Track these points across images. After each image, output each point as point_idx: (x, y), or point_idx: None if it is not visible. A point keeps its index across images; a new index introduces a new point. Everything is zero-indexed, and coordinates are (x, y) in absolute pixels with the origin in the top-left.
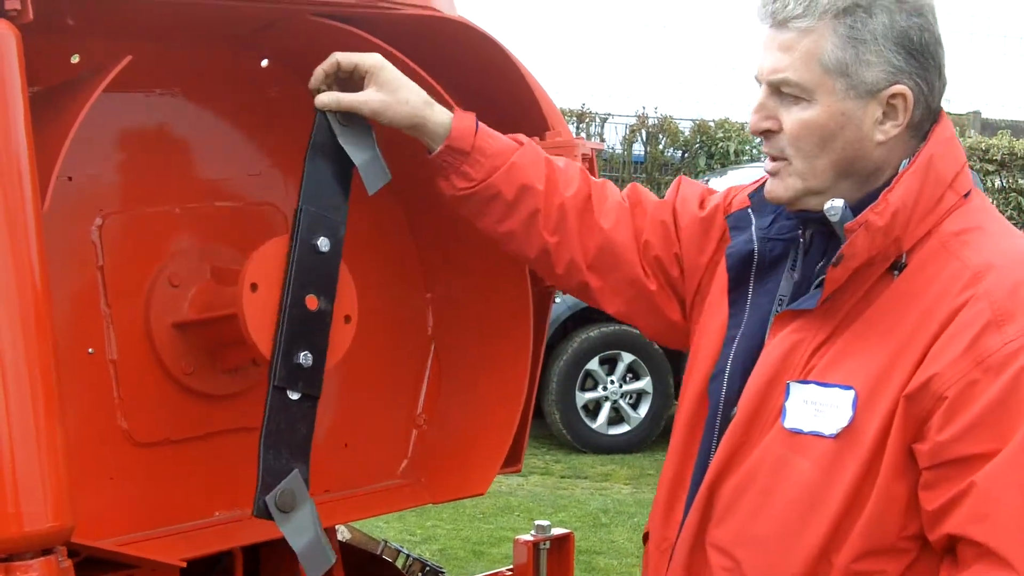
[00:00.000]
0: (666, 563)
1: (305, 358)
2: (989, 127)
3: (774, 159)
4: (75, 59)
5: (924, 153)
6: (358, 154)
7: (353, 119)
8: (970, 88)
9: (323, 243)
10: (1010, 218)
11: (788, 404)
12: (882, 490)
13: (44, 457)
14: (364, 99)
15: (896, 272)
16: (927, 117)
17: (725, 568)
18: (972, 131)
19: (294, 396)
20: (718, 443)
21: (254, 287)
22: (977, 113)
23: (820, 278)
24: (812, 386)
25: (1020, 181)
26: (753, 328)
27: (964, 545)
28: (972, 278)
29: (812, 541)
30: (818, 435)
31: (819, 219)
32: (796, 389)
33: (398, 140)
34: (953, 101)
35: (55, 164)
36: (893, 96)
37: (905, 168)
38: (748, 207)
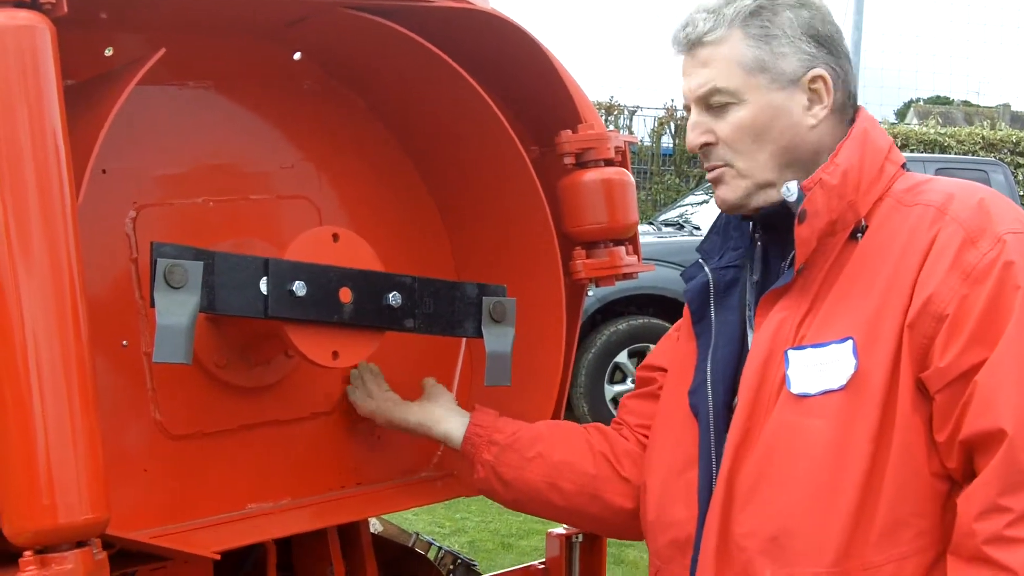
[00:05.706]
0: (687, 563)
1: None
2: (1019, 119)
3: (715, 168)
4: (109, 52)
5: (858, 126)
6: (495, 345)
7: (505, 316)
8: (1000, 80)
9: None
10: None
11: (790, 372)
12: (903, 425)
13: (80, 449)
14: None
15: (859, 235)
16: (848, 102)
17: (763, 551)
18: (1003, 123)
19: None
20: (718, 441)
21: None
22: (1007, 106)
23: (791, 254)
24: (809, 350)
25: None
26: (727, 338)
27: (976, 449)
28: (937, 212)
29: (849, 497)
30: (827, 392)
31: (774, 215)
32: (795, 355)
33: (441, 137)
34: (983, 94)
35: (90, 157)
36: (813, 80)
37: (843, 140)
38: (698, 259)
